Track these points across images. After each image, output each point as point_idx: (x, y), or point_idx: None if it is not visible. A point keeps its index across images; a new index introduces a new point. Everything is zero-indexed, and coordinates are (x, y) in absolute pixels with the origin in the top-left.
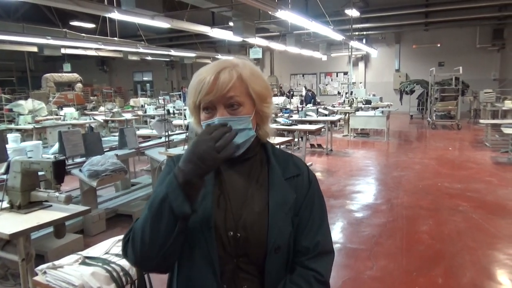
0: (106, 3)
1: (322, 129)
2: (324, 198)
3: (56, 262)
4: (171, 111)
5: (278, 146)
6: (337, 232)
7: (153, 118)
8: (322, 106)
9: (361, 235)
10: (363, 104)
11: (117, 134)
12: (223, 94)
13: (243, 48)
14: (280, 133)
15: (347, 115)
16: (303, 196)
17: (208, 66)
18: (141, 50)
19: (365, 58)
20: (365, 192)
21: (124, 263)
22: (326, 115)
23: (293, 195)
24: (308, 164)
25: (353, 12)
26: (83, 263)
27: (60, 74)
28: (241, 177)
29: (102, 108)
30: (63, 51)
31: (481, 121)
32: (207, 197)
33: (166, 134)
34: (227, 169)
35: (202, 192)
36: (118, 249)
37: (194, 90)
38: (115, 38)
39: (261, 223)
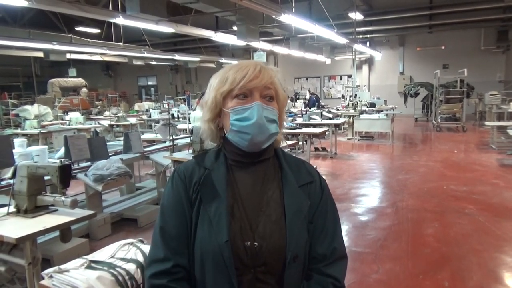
0: (111, 9)
1: (326, 133)
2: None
3: (62, 266)
4: (175, 115)
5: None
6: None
7: (158, 122)
8: (326, 109)
9: (366, 238)
10: (367, 107)
11: (122, 138)
12: (265, 84)
13: (246, 52)
14: (284, 136)
15: (351, 118)
16: (317, 203)
17: (244, 62)
18: (146, 54)
19: (369, 61)
20: (370, 195)
21: (130, 267)
22: (330, 118)
23: (308, 202)
24: None
25: (356, 15)
26: (89, 267)
27: (65, 79)
28: (255, 183)
29: (107, 113)
30: (68, 56)
31: (487, 123)
32: (221, 208)
33: (171, 138)
34: (241, 173)
35: (215, 203)
36: (123, 253)
37: (232, 78)
38: (120, 43)
39: (279, 232)
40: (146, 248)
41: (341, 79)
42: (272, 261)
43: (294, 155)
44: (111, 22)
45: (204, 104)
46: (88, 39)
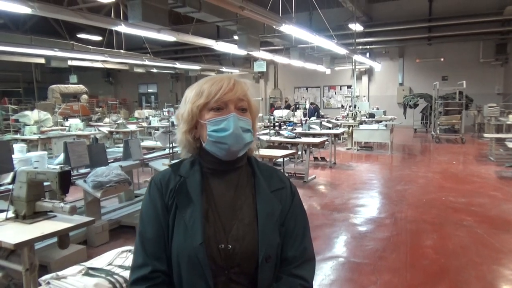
0: (113, 17)
1: (326, 142)
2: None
3: (60, 273)
4: (175, 123)
5: (282, 159)
6: (340, 246)
7: (158, 129)
8: (326, 119)
9: (364, 249)
10: (366, 117)
11: (121, 145)
12: (239, 97)
13: (247, 61)
14: (283, 146)
15: (351, 128)
16: (288, 207)
17: (218, 76)
18: (147, 62)
19: (369, 72)
20: (368, 206)
21: (127, 274)
22: (329, 128)
23: (279, 206)
24: (311, 177)
25: (356, 27)
26: (87, 274)
27: (66, 86)
28: (229, 189)
29: (107, 120)
30: (69, 63)
31: (485, 135)
32: (195, 213)
33: (170, 146)
34: (215, 180)
35: (190, 208)
36: (121, 260)
37: (208, 91)
38: (121, 51)
39: (252, 234)
40: None
41: (340, 89)
42: (245, 262)
43: (293, 164)
44: (113, 29)
45: (180, 116)
46: (90, 46)
